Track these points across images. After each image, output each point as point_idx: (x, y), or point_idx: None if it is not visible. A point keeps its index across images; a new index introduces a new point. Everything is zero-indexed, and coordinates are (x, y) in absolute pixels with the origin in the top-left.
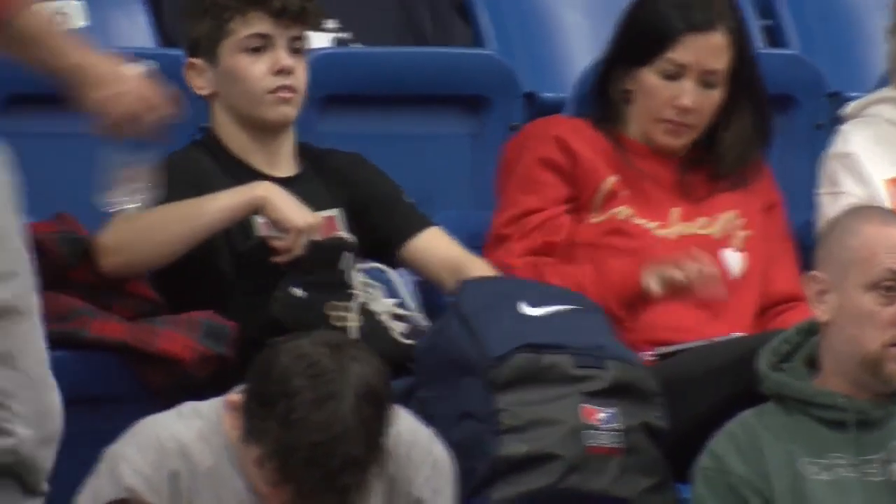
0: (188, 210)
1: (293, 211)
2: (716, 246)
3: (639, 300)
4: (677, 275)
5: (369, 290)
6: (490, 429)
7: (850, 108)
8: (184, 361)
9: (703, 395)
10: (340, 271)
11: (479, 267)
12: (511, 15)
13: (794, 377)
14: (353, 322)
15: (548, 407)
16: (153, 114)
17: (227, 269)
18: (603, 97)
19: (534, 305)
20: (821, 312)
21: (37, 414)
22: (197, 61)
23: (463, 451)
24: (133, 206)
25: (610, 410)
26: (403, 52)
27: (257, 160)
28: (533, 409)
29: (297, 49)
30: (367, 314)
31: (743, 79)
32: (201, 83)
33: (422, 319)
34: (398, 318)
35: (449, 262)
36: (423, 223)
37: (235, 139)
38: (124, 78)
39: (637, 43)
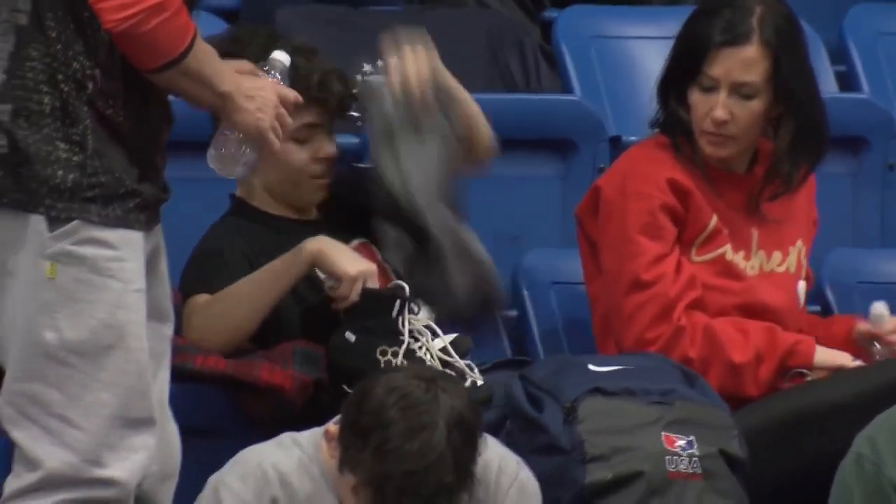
0: (250, 287)
1: (344, 261)
2: (792, 281)
3: (795, 371)
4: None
5: (420, 336)
6: (575, 458)
7: None
8: (284, 389)
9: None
10: (393, 319)
11: None
12: (596, 62)
13: None
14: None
15: (631, 436)
16: (286, 117)
17: (298, 324)
18: (673, 119)
19: (601, 365)
20: None
21: (160, 450)
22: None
23: (549, 481)
24: (237, 174)
25: (688, 437)
26: (494, 99)
27: (288, 213)
28: (616, 437)
29: (331, 127)
30: (413, 359)
31: (782, 90)
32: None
33: (466, 368)
34: (444, 364)
35: None
36: None
37: (268, 202)
38: (265, 92)
39: (681, 60)
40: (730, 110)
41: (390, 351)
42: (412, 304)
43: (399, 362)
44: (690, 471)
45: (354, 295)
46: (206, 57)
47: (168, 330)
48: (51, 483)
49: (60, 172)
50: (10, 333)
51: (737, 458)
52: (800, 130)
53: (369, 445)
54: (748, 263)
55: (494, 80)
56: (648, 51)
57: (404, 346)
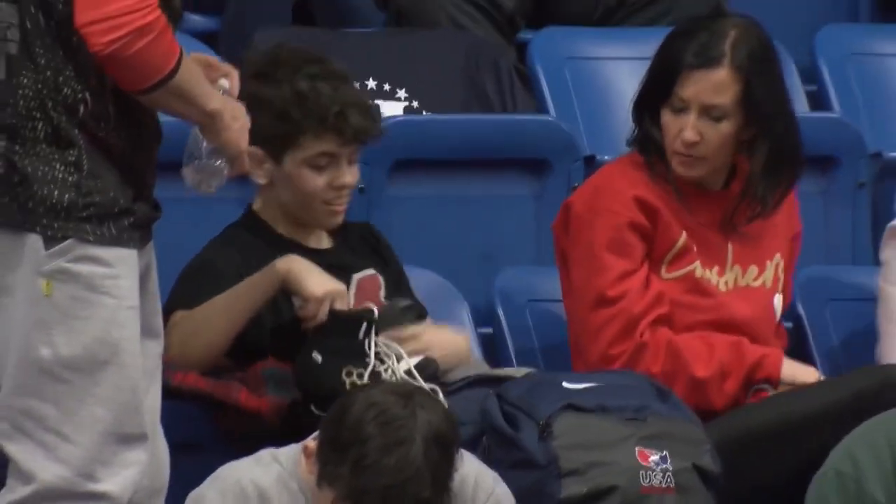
0: (222, 304)
1: (312, 282)
2: (768, 296)
3: (758, 386)
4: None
5: (386, 358)
6: (551, 473)
7: None
8: (261, 413)
9: (826, 430)
10: (360, 340)
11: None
12: (570, 83)
13: None
14: None
15: (605, 451)
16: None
17: (268, 342)
18: (647, 138)
19: (574, 382)
20: None
21: (150, 465)
22: (258, 152)
23: (525, 495)
24: (212, 190)
25: (662, 452)
26: (469, 119)
27: (298, 236)
28: (590, 452)
29: (353, 156)
30: (378, 381)
31: (754, 114)
32: (261, 173)
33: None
34: None
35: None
36: (419, 317)
37: (279, 222)
38: (241, 113)
39: (655, 80)
40: (699, 132)
41: (356, 372)
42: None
43: (364, 384)
44: (664, 485)
45: (322, 315)
46: (192, 76)
47: (158, 347)
48: (44, 496)
49: (56, 192)
50: (5, 350)
51: (710, 473)
52: (773, 153)
53: (347, 460)
54: (722, 279)
55: (470, 101)
56: (622, 72)
57: (370, 368)
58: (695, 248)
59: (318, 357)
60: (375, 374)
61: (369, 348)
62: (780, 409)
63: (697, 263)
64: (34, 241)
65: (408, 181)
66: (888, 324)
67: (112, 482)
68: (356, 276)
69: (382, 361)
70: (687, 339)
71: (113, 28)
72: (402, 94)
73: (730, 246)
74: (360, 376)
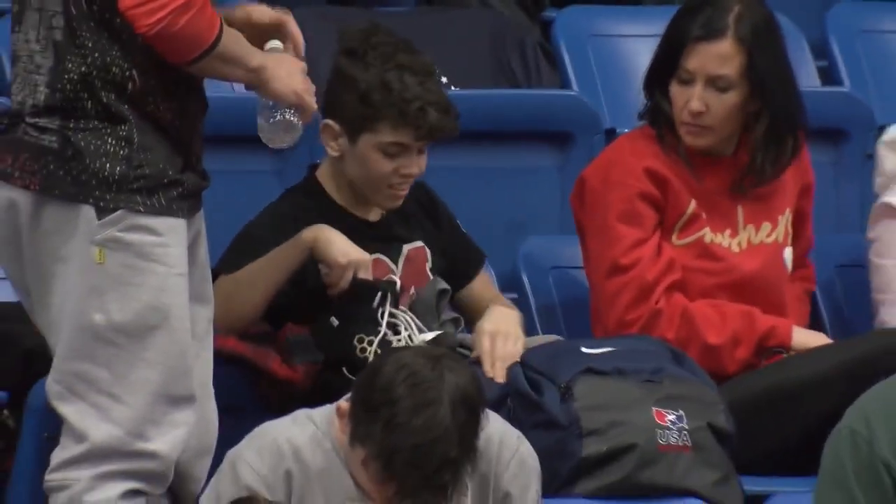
0: (259, 268)
1: (336, 250)
2: (780, 249)
3: (771, 351)
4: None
5: (403, 328)
6: (572, 433)
7: None
8: (295, 382)
9: (832, 393)
10: (374, 308)
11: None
12: (593, 59)
13: None
14: (371, 355)
15: (624, 411)
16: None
17: (295, 305)
18: (657, 110)
19: (593, 348)
20: None
21: (198, 426)
22: (335, 127)
23: (548, 454)
24: (286, 143)
25: (678, 412)
26: (496, 94)
27: (354, 207)
28: (610, 413)
29: (423, 151)
30: (387, 349)
31: (757, 85)
32: (334, 146)
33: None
34: None
35: (486, 308)
36: (478, 262)
37: (338, 192)
38: (287, 62)
39: (663, 55)
40: (705, 102)
41: (366, 339)
42: (395, 299)
43: (373, 350)
44: (681, 443)
45: (344, 283)
46: (234, 39)
47: (208, 312)
48: (97, 454)
49: (108, 165)
50: (60, 317)
51: (724, 432)
52: (774, 123)
53: (378, 420)
54: (735, 240)
55: (497, 77)
56: (641, 48)
57: (380, 337)
58: (704, 215)
59: (334, 321)
60: (386, 343)
61: (382, 318)
62: (790, 371)
63: (707, 229)
64: (87, 211)
65: (439, 153)
66: (883, 294)
67: (161, 441)
68: (406, 247)
69: (397, 332)
70: (701, 306)
71: (156, 9)
72: None
73: (740, 208)
74: (371, 343)
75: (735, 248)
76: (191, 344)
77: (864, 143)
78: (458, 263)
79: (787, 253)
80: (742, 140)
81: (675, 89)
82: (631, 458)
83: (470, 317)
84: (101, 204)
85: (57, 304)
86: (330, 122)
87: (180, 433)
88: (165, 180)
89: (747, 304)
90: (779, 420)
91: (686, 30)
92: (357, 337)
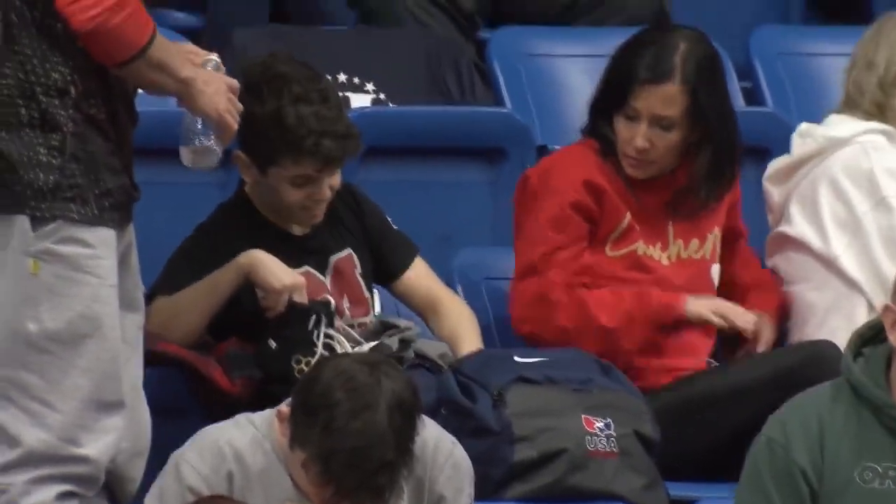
0: (197, 293)
1: (271, 275)
2: (707, 266)
3: (670, 325)
4: (714, 321)
5: (338, 347)
6: (504, 439)
7: (832, 137)
8: (233, 394)
9: (757, 402)
10: (310, 330)
11: (451, 298)
12: (525, 78)
13: (872, 369)
14: None
15: (554, 418)
16: (236, 101)
17: (236, 325)
18: (601, 136)
19: (525, 357)
20: (894, 338)
21: (131, 429)
22: (245, 159)
23: (481, 460)
24: (208, 164)
25: (606, 420)
26: (431, 111)
27: (282, 222)
28: (540, 419)
29: (334, 174)
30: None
31: (700, 122)
32: (247, 175)
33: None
34: None
35: (429, 299)
36: (409, 255)
37: (265, 208)
38: (217, 80)
39: (609, 90)
40: (650, 139)
41: (304, 360)
42: (330, 319)
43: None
44: (608, 449)
45: (280, 306)
46: (166, 47)
47: (139, 319)
48: (30, 459)
49: (42, 176)
50: None
51: (650, 439)
52: (716, 156)
53: (317, 424)
54: (665, 254)
55: (433, 94)
56: (574, 68)
57: (316, 358)
58: (637, 228)
59: (272, 344)
60: None
61: (318, 339)
62: (717, 379)
63: (640, 242)
64: (22, 222)
65: (375, 167)
66: (788, 320)
67: (92, 446)
68: (332, 258)
69: (333, 350)
70: (596, 292)
71: (91, 5)
72: (370, 87)
73: (671, 224)
74: (308, 364)
75: (665, 262)
76: (121, 350)
77: None
78: (387, 259)
79: (714, 269)
80: (681, 162)
81: (621, 123)
82: (561, 463)
83: (410, 307)
84: (38, 214)
85: None
86: (240, 153)
87: (111, 438)
88: (97, 190)
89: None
90: (705, 427)
91: (633, 69)
92: (294, 358)
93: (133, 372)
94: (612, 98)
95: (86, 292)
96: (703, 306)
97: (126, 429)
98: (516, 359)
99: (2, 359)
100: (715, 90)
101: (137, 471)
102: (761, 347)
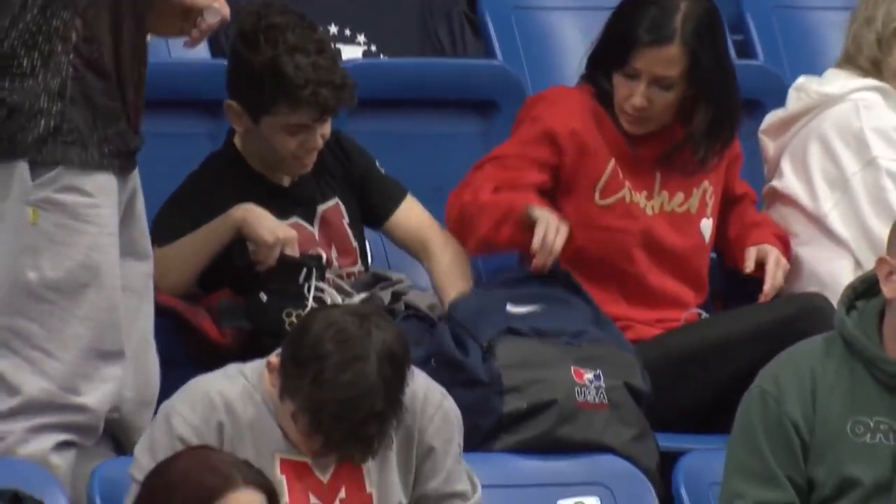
0: (189, 245)
1: (263, 229)
2: (695, 220)
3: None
4: (535, 238)
5: (330, 300)
6: (494, 390)
7: (825, 94)
8: (221, 344)
9: (748, 354)
10: (300, 284)
11: (442, 240)
12: (517, 30)
13: (864, 323)
14: None
15: (543, 369)
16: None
17: (228, 278)
18: (599, 89)
19: (518, 305)
20: (888, 290)
21: (138, 378)
22: (238, 108)
23: (470, 410)
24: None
25: (595, 371)
26: (423, 63)
27: (270, 173)
28: (530, 371)
29: (325, 123)
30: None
31: (700, 80)
32: (239, 125)
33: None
34: None
35: (419, 236)
36: (397, 197)
37: (254, 157)
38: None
39: (609, 49)
40: (648, 97)
41: (294, 314)
42: (321, 273)
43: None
44: (598, 401)
45: (272, 260)
46: None
47: (147, 267)
48: (30, 408)
49: (43, 121)
50: None
51: (640, 391)
52: (715, 116)
53: (307, 375)
54: (649, 203)
55: (424, 45)
56: (564, 20)
57: (307, 311)
58: (621, 175)
59: (263, 297)
60: None
61: (308, 292)
62: (708, 331)
63: (627, 188)
64: (22, 169)
65: (367, 119)
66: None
67: (92, 396)
68: (320, 208)
69: (324, 304)
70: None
71: None
72: (361, 38)
73: (658, 174)
74: (299, 317)
75: (649, 212)
76: (121, 300)
77: None
78: (374, 202)
79: (704, 224)
80: (676, 116)
81: (619, 80)
82: (550, 415)
83: (404, 248)
84: (38, 159)
85: None
86: (232, 102)
87: (109, 387)
88: (96, 136)
89: (664, 269)
90: (695, 379)
91: (633, 30)
92: (285, 311)
93: (141, 322)
94: (611, 57)
95: (85, 241)
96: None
97: (132, 377)
98: (509, 308)
99: (2, 308)
100: (715, 49)
101: (144, 420)
102: (768, 282)
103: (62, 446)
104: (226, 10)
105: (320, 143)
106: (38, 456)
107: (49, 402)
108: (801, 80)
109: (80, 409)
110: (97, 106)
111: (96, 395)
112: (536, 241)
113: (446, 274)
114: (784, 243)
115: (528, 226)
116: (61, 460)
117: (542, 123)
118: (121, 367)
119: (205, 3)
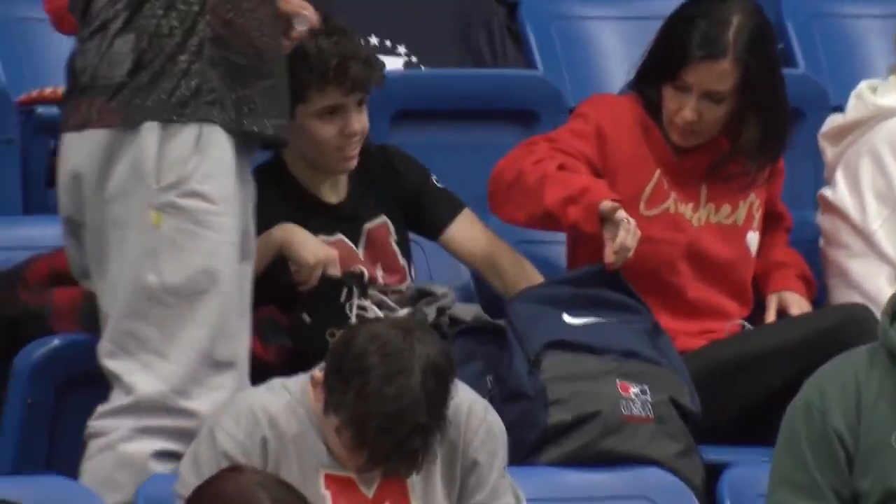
0: None
1: (305, 250)
2: (742, 232)
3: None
4: (617, 241)
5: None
6: (539, 403)
7: (880, 106)
8: (266, 361)
9: (791, 364)
10: (343, 303)
11: (511, 257)
12: (557, 40)
13: None
14: None
15: (589, 382)
16: None
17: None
18: (647, 100)
19: (575, 316)
20: None
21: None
22: None
23: (515, 424)
24: None
25: (641, 385)
26: (463, 73)
27: (316, 188)
28: (575, 384)
29: (361, 103)
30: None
31: (750, 96)
32: None
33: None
34: None
35: (485, 252)
36: (453, 210)
37: (300, 170)
38: None
39: (660, 62)
40: (698, 111)
41: (338, 334)
42: (363, 290)
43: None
44: (644, 415)
45: (314, 280)
46: None
47: (249, 269)
48: (140, 407)
49: (183, 81)
50: (117, 280)
51: (687, 410)
52: (766, 130)
53: (351, 389)
54: (695, 215)
55: (464, 55)
56: (604, 30)
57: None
58: (666, 185)
59: (306, 318)
60: None
61: (351, 311)
62: (752, 342)
63: (672, 199)
64: (150, 129)
65: (407, 130)
66: (831, 279)
67: (201, 402)
68: (366, 227)
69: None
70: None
71: None
72: (402, 49)
73: (704, 186)
74: None
75: (695, 223)
76: (237, 309)
77: (818, 124)
78: (428, 214)
79: (751, 237)
80: (724, 128)
81: (669, 93)
82: (594, 426)
83: (466, 263)
84: (182, 119)
85: (114, 269)
86: None
87: (220, 396)
88: (234, 95)
89: (709, 282)
90: (739, 390)
91: (685, 44)
92: (329, 332)
93: (248, 330)
94: (662, 69)
95: (206, 247)
96: (619, 210)
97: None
98: (565, 318)
99: (123, 310)
100: (767, 62)
101: None
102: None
103: (164, 455)
104: (314, 17)
105: (357, 128)
106: (138, 456)
107: (160, 404)
108: (862, 86)
109: (190, 414)
110: (236, 66)
111: (206, 402)
112: (618, 243)
113: (521, 282)
114: (809, 284)
115: (601, 218)
116: (161, 469)
117: (593, 121)
118: (232, 377)
119: (293, 10)
